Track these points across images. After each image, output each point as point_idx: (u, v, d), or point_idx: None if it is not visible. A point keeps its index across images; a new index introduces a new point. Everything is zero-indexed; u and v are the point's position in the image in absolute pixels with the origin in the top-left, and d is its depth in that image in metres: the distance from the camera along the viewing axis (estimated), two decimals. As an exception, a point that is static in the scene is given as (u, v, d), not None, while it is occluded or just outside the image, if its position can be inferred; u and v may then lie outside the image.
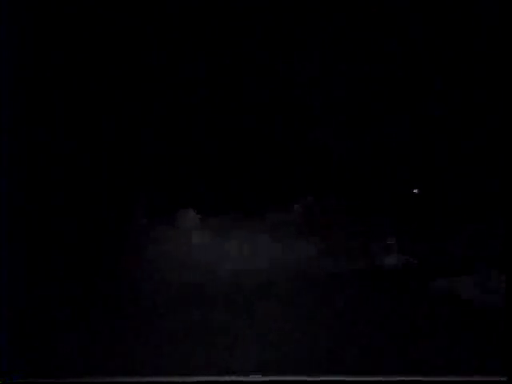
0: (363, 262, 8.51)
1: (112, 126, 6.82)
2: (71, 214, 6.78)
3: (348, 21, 7.19)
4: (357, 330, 7.05)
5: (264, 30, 7.02)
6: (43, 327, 6.83)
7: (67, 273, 6.92)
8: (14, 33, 5.86)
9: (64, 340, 6.59)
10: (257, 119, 7.66)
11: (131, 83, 6.76)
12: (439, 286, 7.97)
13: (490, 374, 6.09)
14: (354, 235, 8.51)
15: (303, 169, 7.85)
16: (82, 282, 7.07)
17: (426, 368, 6.19)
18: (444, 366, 6.25)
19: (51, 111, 6.45)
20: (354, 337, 6.85)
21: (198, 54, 7.07)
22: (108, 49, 6.63)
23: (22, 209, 6.26)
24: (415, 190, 7.27)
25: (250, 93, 7.28)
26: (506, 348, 5.98)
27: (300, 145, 7.92)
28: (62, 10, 6.33)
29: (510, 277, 6.10)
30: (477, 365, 6.16)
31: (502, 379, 6.04)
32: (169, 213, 8.08)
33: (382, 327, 7.12)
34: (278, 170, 8.05)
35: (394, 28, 7.17)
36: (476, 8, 6.90)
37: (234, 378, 5.90)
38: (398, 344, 6.70)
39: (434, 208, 7.79)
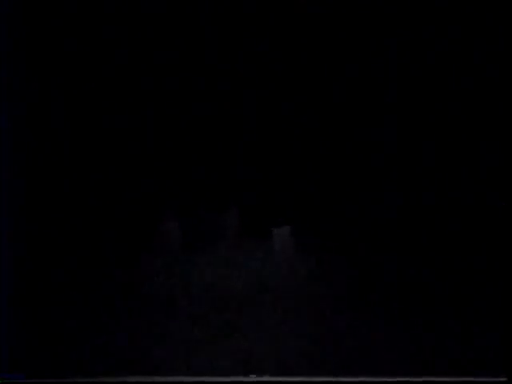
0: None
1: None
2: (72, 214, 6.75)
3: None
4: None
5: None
6: (44, 327, 6.82)
7: (69, 271, 6.92)
8: (9, 32, 5.84)
9: (64, 340, 6.59)
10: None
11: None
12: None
13: (490, 374, 6.09)
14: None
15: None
16: (83, 281, 7.07)
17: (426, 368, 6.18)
18: (444, 366, 6.24)
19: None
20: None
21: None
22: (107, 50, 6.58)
23: (23, 207, 6.24)
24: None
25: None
26: (506, 348, 5.97)
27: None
28: (58, 10, 6.30)
29: (510, 276, 6.09)
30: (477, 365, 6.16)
31: (501, 379, 6.03)
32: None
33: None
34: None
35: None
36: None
37: (234, 379, 5.90)
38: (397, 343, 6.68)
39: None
